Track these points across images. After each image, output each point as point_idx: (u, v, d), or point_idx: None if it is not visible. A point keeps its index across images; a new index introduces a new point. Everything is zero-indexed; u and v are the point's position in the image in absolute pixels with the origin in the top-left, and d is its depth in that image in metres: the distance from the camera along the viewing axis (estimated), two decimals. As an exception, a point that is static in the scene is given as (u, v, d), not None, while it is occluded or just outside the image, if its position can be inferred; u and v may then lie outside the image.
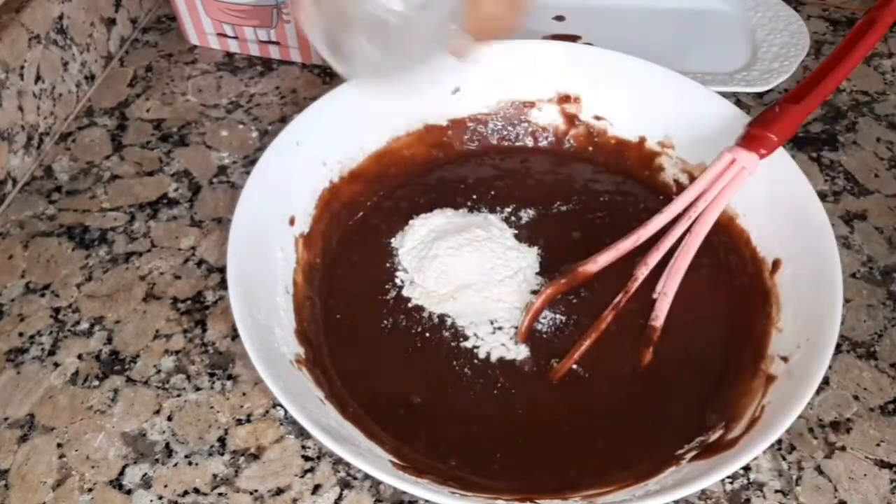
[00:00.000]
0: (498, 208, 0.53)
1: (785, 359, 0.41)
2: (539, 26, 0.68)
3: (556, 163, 0.56)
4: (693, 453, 0.40)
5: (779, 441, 0.43)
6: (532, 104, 0.56)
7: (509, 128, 0.56)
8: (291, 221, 0.48)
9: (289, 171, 0.48)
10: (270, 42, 0.66)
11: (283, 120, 0.62)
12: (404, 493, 0.43)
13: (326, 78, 0.66)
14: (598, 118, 0.55)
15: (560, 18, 0.69)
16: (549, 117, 0.56)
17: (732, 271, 0.48)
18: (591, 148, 0.55)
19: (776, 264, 0.45)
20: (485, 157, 0.56)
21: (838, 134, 0.62)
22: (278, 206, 0.48)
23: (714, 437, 0.40)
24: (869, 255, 0.54)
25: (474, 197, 0.53)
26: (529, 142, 0.56)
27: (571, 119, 0.55)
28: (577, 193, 0.53)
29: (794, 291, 0.43)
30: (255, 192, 0.45)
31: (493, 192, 0.54)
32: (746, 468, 0.43)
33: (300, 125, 0.49)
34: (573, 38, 0.67)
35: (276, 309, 0.44)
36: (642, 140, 0.54)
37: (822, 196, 0.44)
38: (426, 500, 0.42)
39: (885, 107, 0.64)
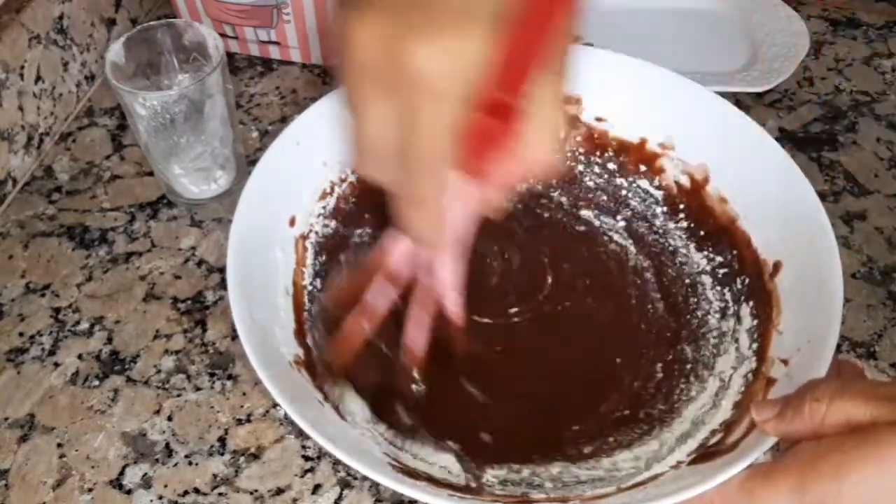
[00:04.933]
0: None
1: (785, 361, 0.41)
2: (539, 26, 0.68)
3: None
4: (693, 457, 0.40)
5: (778, 444, 0.43)
6: None
7: None
8: (292, 222, 0.48)
9: (289, 171, 0.48)
10: (270, 42, 0.66)
11: (284, 120, 0.62)
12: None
13: (326, 78, 0.66)
14: (599, 119, 0.55)
15: (560, 18, 0.69)
16: None
17: (733, 273, 0.48)
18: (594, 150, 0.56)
19: (777, 267, 0.45)
20: None
21: (838, 134, 0.62)
22: (278, 206, 0.48)
23: (714, 440, 0.40)
24: (869, 255, 0.54)
25: None
26: None
27: (572, 121, 0.55)
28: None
29: (795, 294, 0.43)
30: (255, 193, 0.45)
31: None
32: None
33: (300, 125, 0.49)
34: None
35: (277, 310, 0.44)
36: (643, 142, 0.53)
37: (822, 196, 0.44)
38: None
39: (885, 107, 0.64)
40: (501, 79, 0.29)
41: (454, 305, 0.41)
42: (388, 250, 0.40)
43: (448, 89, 0.28)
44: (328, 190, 0.51)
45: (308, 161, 0.50)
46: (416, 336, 0.42)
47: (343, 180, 0.51)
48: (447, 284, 0.40)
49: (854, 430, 0.30)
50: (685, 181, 0.52)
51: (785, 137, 0.61)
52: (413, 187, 0.32)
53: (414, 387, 0.43)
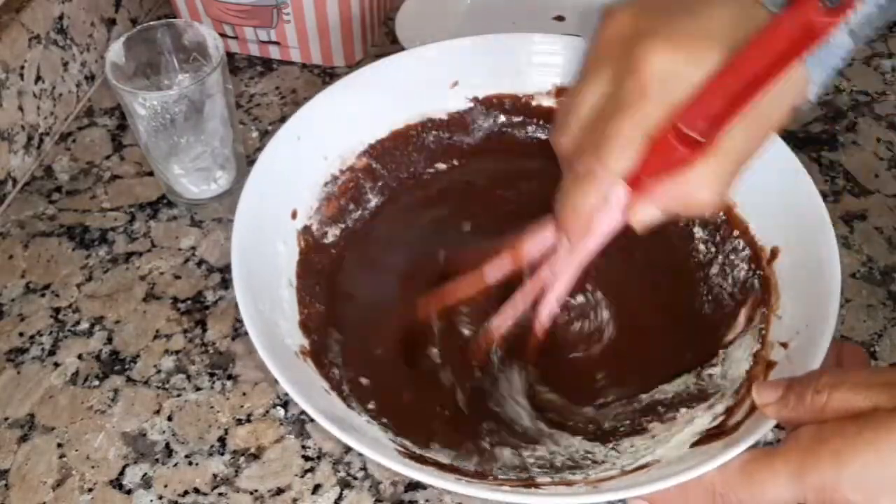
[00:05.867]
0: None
1: (784, 345, 0.41)
2: (539, 26, 0.68)
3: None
4: (696, 438, 0.40)
5: (779, 426, 0.43)
6: (530, 97, 0.56)
7: (507, 120, 0.56)
8: (293, 215, 0.48)
9: (290, 165, 0.48)
10: (270, 42, 0.66)
11: (283, 120, 0.62)
12: (404, 492, 0.43)
13: (326, 78, 0.66)
14: None
15: (560, 18, 0.69)
16: (547, 109, 0.56)
17: (731, 260, 0.49)
18: None
19: (774, 252, 0.46)
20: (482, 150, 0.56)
21: (838, 134, 0.62)
22: (280, 199, 0.48)
23: (716, 422, 0.40)
24: (869, 255, 0.54)
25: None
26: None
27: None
28: None
29: (793, 279, 0.44)
30: (258, 187, 0.45)
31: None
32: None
33: (301, 119, 0.49)
34: (573, 39, 0.67)
35: (280, 301, 0.45)
36: None
37: (822, 196, 0.44)
38: (426, 501, 0.43)
39: (885, 107, 0.64)
40: (707, 108, 0.31)
41: (549, 313, 0.42)
42: (525, 236, 0.41)
43: (658, 92, 0.31)
44: (328, 183, 0.51)
45: (309, 155, 0.50)
46: (504, 321, 0.43)
47: (343, 172, 0.52)
48: (558, 289, 0.41)
49: (855, 416, 0.30)
50: None
51: (785, 137, 0.61)
52: (587, 164, 0.34)
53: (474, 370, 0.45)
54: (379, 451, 0.36)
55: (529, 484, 0.39)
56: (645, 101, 0.31)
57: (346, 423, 0.38)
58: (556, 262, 0.40)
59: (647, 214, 0.34)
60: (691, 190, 0.33)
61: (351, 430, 0.37)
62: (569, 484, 0.39)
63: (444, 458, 0.41)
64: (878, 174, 0.59)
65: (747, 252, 0.48)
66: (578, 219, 0.36)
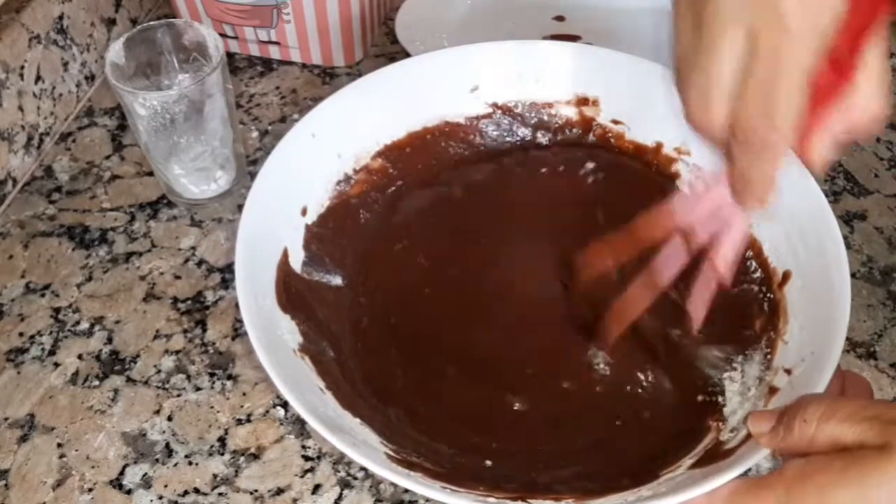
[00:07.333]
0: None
1: (788, 371, 0.41)
2: (539, 26, 0.68)
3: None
4: (692, 461, 0.40)
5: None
6: (550, 105, 0.55)
7: (525, 128, 0.56)
8: (303, 212, 0.48)
9: (303, 161, 0.48)
10: (270, 42, 0.66)
11: (283, 120, 0.62)
12: (404, 492, 0.43)
13: (326, 78, 0.66)
14: (615, 122, 0.54)
15: (560, 18, 0.69)
16: (566, 119, 0.55)
17: (741, 281, 0.48)
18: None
19: (786, 276, 0.45)
20: (499, 157, 0.56)
21: (838, 134, 0.62)
22: (291, 195, 0.48)
23: (713, 445, 0.40)
24: (869, 255, 0.54)
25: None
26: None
27: (588, 122, 0.55)
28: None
29: (802, 305, 0.43)
30: (269, 181, 0.45)
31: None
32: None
33: (317, 116, 0.49)
34: (573, 39, 0.67)
35: None
36: (659, 146, 0.53)
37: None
38: (427, 501, 0.43)
39: (885, 107, 0.64)
40: (847, 35, 0.31)
41: (728, 271, 0.40)
42: (682, 208, 0.40)
43: (805, 29, 0.30)
44: (342, 181, 0.51)
45: (323, 152, 0.50)
46: (700, 302, 0.41)
47: (357, 171, 0.51)
48: (732, 247, 0.40)
49: (842, 452, 0.30)
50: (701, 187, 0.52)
51: (785, 137, 0.61)
52: (760, 134, 0.32)
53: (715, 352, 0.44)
54: (367, 454, 0.35)
55: (517, 498, 0.39)
56: (796, 45, 0.30)
57: (337, 424, 0.38)
58: (729, 223, 0.39)
59: (824, 148, 0.34)
60: (861, 108, 0.33)
61: (339, 431, 0.36)
62: (557, 499, 0.38)
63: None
64: (878, 174, 0.59)
65: (759, 274, 0.47)
66: (766, 186, 0.35)
